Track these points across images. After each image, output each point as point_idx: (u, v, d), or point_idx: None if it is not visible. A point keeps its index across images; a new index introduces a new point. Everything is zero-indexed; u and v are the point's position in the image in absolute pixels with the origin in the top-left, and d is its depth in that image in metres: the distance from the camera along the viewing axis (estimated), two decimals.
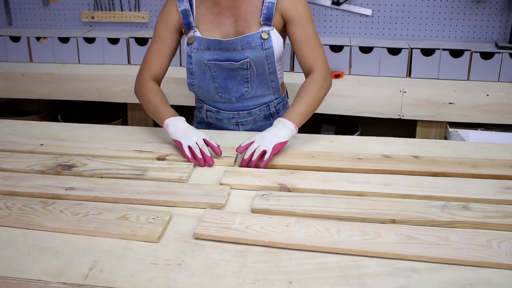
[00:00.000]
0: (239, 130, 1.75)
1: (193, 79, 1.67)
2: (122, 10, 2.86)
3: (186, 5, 1.62)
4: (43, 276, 0.96)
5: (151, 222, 1.10)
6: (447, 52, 2.38)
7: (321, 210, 1.15)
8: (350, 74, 2.48)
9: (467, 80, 2.40)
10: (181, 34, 1.67)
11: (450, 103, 2.25)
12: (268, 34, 1.59)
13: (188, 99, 2.27)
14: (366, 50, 2.45)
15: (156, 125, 2.57)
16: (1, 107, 2.95)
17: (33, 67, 2.62)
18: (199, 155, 1.42)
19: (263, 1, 1.59)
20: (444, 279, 0.94)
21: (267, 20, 1.59)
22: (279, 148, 1.43)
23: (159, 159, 1.43)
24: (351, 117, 2.42)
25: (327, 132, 2.65)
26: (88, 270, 0.97)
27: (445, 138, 2.31)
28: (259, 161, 1.40)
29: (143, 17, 2.84)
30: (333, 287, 0.92)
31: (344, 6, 2.67)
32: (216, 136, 1.61)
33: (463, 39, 2.63)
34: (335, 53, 2.46)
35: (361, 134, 2.48)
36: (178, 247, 1.04)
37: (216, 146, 1.45)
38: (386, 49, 2.43)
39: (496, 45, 2.47)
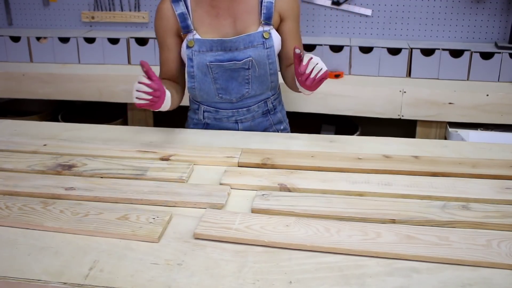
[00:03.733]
0: (238, 129, 1.75)
1: (193, 83, 1.66)
2: (122, 10, 2.86)
3: (182, 9, 1.61)
4: (43, 276, 0.96)
5: (151, 222, 1.11)
6: (447, 52, 2.38)
7: (321, 210, 1.16)
8: (350, 74, 2.48)
9: (467, 80, 2.40)
10: (181, 37, 1.66)
11: (450, 103, 2.25)
12: (269, 33, 1.62)
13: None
14: (366, 50, 2.45)
15: (156, 125, 2.58)
16: (1, 107, 2.95)
17: (33, 67, 2.62)
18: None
19: (261, 0, 1.61)
20: (443, 279, 0.94)
21: (268, 20, 1.61)
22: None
23: (162, 159, 1.43)
24: (351, 117, 2.42)
25: (327, 132, 2.64)
26: (88, 270, 0.97)
27: (445, 138, 2.30)
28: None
29: (143, 17, 2.84)
30: (333, 287, 0.93)
31: (344, 6, 2.67)
32: (216, 137, 1.62)
33: (463, 39, 2.63)
34: (335, 53, 2.46)
35: (361, 134, 2.48)
36: (178, 247, 1.05)
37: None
38: (386, 49, 2.43)
39: (496, 45, 2.47)
